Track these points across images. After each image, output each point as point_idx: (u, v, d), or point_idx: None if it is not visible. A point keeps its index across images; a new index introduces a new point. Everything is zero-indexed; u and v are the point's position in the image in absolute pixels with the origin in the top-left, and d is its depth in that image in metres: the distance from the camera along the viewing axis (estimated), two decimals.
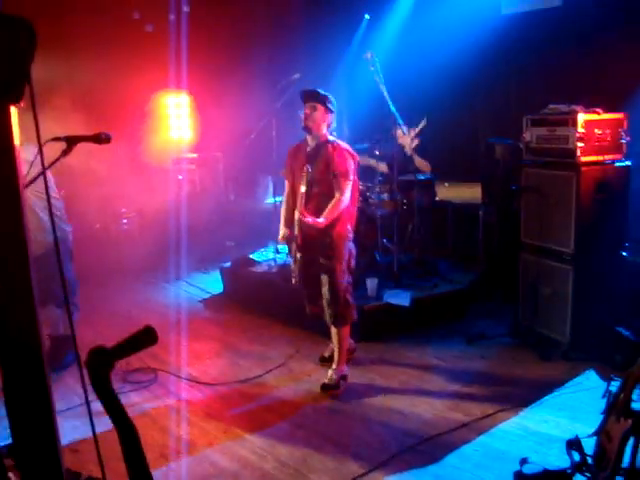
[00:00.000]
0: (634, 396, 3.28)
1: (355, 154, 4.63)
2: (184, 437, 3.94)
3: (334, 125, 4.65)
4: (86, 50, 7.51)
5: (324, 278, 4.53)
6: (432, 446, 3.76)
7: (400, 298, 5.54)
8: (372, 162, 6.73)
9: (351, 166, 4.50)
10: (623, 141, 4.97)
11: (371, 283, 5.63)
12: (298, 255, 4.58)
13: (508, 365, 4.92)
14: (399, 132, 6.35)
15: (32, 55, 1.31)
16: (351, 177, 4.49)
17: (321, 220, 4.37)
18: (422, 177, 6.76)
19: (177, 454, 3.73)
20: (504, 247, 6.19)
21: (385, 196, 6.42)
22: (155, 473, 3.31)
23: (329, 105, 4.54)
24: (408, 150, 6.81)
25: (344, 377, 4.63)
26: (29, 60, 1.30)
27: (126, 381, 4.72)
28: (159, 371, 4.89)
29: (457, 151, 7.93)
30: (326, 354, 5.02)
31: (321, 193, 4.49)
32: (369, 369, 4.94)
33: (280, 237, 4.81)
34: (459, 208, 7.24)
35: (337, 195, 4.44)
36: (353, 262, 4.67)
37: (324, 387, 4.52)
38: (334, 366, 4.62)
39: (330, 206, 4.43)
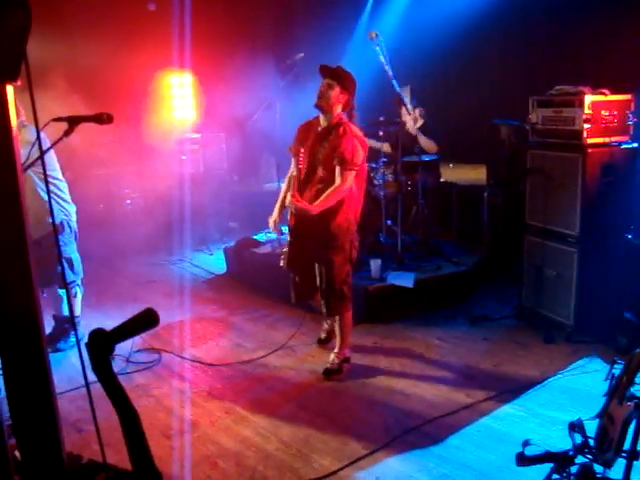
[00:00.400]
0: (637, 379, 3.28)
1: (366, 142, 4.40)
2: (187, 417, 3.96)
3: (353, 108, 4.40)
4: (87, 29, 7.44)
5: (321, 268, 4.39)
6: (435, 427, 3.77)
7: (404, 279, 5.53)
8: (373, 143, 6.68)
9: (358, 154, 4.23)
10: (630, 123, 4.92)
11: (375, 264, 5.62)
12: (289, 239, 4.49)
13: (511, 347, 4.91)
14: (403, 110, 6.27)
15: (28, 33, 1.29)
16: (356, 166, 4.24)
17: (315, 206, 4.21)
18: (427, 158, 6.72)
19: (181, 434, 3.75)
20: (509, 229, 6.17)
21: (389, 177, 6.37)
22: (159, 453, 3.34)
23: (348, 85, 4.28)
24: (412, 130, 6.75)
25: (347, 360, 4.60)
26: (25, 38, 1.28)
27: (129, 362, 4.73)
28: (163, 352, 4.90)
29: (462, 132, 7.88)
30: (322, 335, 5.03)
31: (324, 178, 4.30)
32: (372, 350, 4.94)
33: (270, 222, 4.65)
34: (464, 190, 7.20)
35: (337, 182, 4.24)
36: (355, 253, 4.50)
37: (326, 372, 4.49)
38: (336, 350, 4.60)
39: (327, 192, 4.24)
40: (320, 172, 4.32)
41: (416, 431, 3.73)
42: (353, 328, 4.68)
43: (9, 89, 1.29)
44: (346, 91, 4.27)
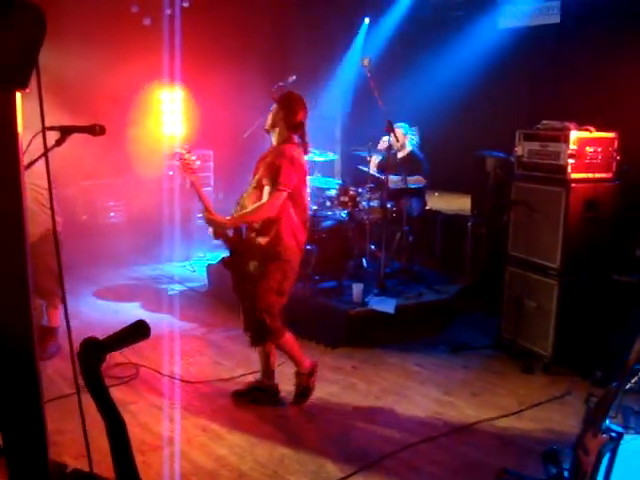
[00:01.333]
0: (611, 412, 3.32)
1: (304, 166, 4.20)
2: (163, 434, 3.92)
3: (300, 127, 4.21)
4: (79, 40, 7.44)
5: (248, 289, 4.23)
6: (411, 454, 3.77)
7: (385, 305, 5.55)
8: (367, 156, 6.73)
9: (289, 176, 4.00)
10: (614, 160, 5.03)
11: (357, 288, 5.64)
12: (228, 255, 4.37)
13: (490, 376, 4.95)
14: (398, 132, 6.28)
15: (41, 41, 1.31)
16: (285, 187, 3.99)
17: (228, 219, 4.14)
18: (413, 185, 6.79)
19: (155, 450, 3.72)
20: (491, 259, 6.24)
21: (375, 203, 6.44)
22: None
23: (285, 103, 4.16)
24: (400, 154, 6.83)
25: (311, 373, 4.39)
26: (38, 46, 1.30)
27: (107, 376, 4.69)
28: (141, 367, 4.87)
29: (447, 161, 7.97)
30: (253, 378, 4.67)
31: (259, 198, 4.13)
32: (351, 374, 4.94)
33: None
34: (448, 218, 7.27)
35: (262, 200, 4.09)
36: (287, 285, 4.22)
37: (296, 399, 4.37)
38: (295, 369, 4.41)
39: (249, 208, 4.12)
40: (257, 192, 4.18)
41: (393, 457, 3.72)
42: (297, 345, 4.42)
43: (18, 96, 1.31)
44: (283, 110, 4.14)
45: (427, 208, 7.42)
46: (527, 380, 4.87)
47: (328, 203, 6.69)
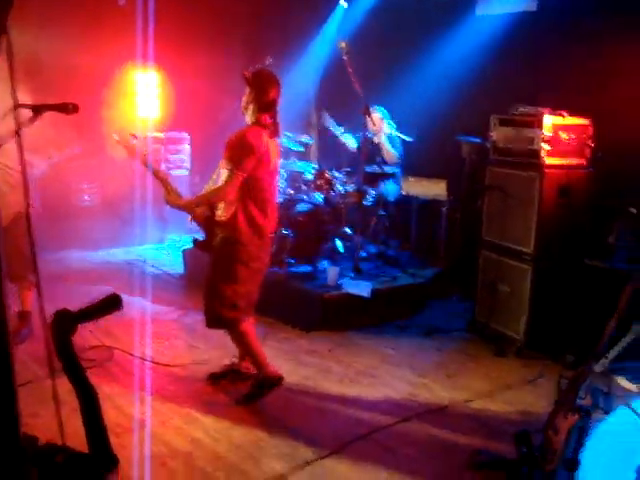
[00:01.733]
0: (581, 394, 3.39)
1: (268, 151, 4.00)
2: (137, 417, 3.91)
3: (272, 106, 4.05)
4: (55, 21, 7.31)
5: (208, 270, 4.17)
6: (386, 435, 3.81)
7: (360, 288, 5.58)
8: (339, 133, 6.73)
9: (244, 159, 3.85)
10: (588, 147, 5.08)
11: (331, 272, 5.66)
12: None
13: (463, 359, 5.01)
14: (368, 120, 6.27)
15: (9, 7, 1.28)
16: (241, 170, 3.86)
17: (185, 200, 4.12)
18: (389, 170, 6.81)
19: (130, 433, 3.70)
20: (466, 244, 6.28)
21: (350, 187, 6.44)
22: None
23: (253, 82, 4.02)
24: (376, 138, 6.82)
25: (272, 384, 4.14)
26: (5, 13, 1.27)
27: (81, 359, 4.64)
28: (115, 349, 4.84)
29: (424, 147, 7.98)
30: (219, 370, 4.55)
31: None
32: (326, 357, 4.97)
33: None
34: (424, 203, 7.29)
35: (219, 183, 4.00)
36: (246, 272, 4.04)
37: (243, 398, 4.14)
38: (249, 364, 4.32)
39: (205, 191, 4.14)
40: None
41: (367, 438, 3.75)
42: (258, 344, 4.23)
43: None
44: (254, 90, 4.00)
45: (403, 193, 7.44)
46: (500, 363, 4.94)
47: (304, 187, 6.69)
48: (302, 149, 7.04)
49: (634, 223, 5.18)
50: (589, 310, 4.90)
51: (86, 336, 4.77)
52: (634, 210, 5.14)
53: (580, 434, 3.12)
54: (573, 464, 3.18)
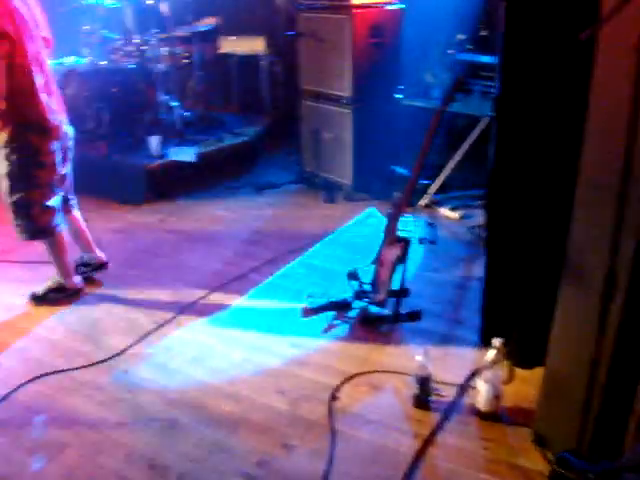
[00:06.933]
0: (408, 226, 3.56)
1: (20, 15, 3.17)
2: None
3: None
4: None
5: (2, 182, 3.49)
6: (222, 293, 3.84)
7: (184, 154, 5.42)
8: None
9: None
10: None
11: (153, 141, 5.41)
12: None
13: (295, 210, 5.10)
14: None
15: None
16: None
17: None
18: (202, 28, 6.45)
19: None
20: (289, 96, 6.20)
21: (163, 50, 6.05)
22: None
23: None
24: None
25: (60, 289, 3.82)
26: None
27: None
28: None
29: (239, 4, 7.61)
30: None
31: None
32: (159, 227, 4.86)
33: None
34: (243, 60, 7.04)
35: None
36: (34, 169, 3.44)
37: (31, 295, 3.82)
38: (55, 277, 3.83)
39: None
40: None
41: (204, 300, 3.77)
42: (64, 252, 3.75)
43: None
44: None
45: (220, 52, 7.13)
46: (330, 209, 5.08)
47: (114, 56, 6.20)
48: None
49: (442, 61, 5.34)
50: (408, 146, 5.08)
51: None
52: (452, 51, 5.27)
53: (403, 260, 3.30)
54: (401, 292, 3.39)
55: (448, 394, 2.81)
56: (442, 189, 5.05)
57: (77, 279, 3.90)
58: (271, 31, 6.80)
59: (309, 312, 3.54)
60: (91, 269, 4.05)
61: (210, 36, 6.78)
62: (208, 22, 6.55)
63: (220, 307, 3.68)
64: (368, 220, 4.86)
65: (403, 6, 5.18)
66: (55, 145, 3.49)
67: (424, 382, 2.72)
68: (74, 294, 3.87)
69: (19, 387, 3.01)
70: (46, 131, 3.42)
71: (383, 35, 5.09)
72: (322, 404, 2.80)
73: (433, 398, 2.77)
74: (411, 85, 5.53)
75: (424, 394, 2.74)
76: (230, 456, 2.53)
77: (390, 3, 5.13)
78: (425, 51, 5.54)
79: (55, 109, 3.48)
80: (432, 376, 2.74)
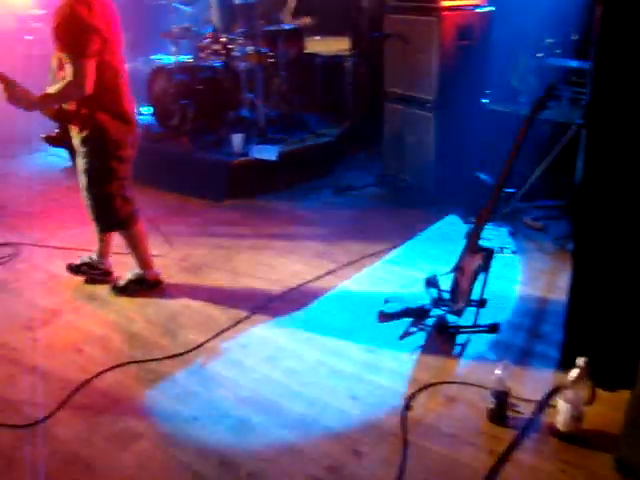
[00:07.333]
0: (489, 235, 3.48)
1: (108, 21, 3.28)
2: (50, 308, 3.80)
3: None
4: None
5: (82, 178, 3.65)
6: (299, 294, 3.85)
7: (267, 152, 5.46)
8: None
9: (83, 35, 3.15)
10: None
11: (237, 139, 5.49)
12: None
13: (375, 213, 5.06)
14: None
15: None
16: (86, 50, 3.17)
17: (31, 101, 3.27)
18: (288, 27, 6.50)
19: (44, 324, 3.61)
20: (373, 98, 6.17)
21: (249, 49, 6.13)
22: (21, 346, 3.22)
23: None
24: None
25: (140, 281, 3.94)
26: None
27: None
28: (20, 245, 4.64)
29: (325, 3, 7.64)
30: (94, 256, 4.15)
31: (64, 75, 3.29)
32: (238, 225, 4.92)
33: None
34: (327, 60, 7.06)
35: (67, 76, 3.23)
36: (114, 164, 3.54)
37: (113, 287, 3.96)
38: (135, 269, 3.97)
39: (53, 88, 3.30)
40: (60, 66, 3.36)
41: (280, 299, 3.79)
42: (146, 243, 3.93)
43: None
44: None
45: (305, 52, 7.17)
46: (411, 214, 5.01)
47: (201, 54, 6.35)
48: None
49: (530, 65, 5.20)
50: (493, 152, 4.96)
51: None
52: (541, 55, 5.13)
53: (485, 271, 3.22)
54: (481, 302, 3.31)
55: (525, 411, 2.72)
56: (525, 198, 4.90)
57: (157, 270, 4.01)
58: (356, 32, 6.78)
59: (386, 317, 3.51)
60: (91, 271, 4.10)
61: (295, 35, 6.82)
62: (304, 21, 6.59)
63: (296, 307, 3.69)
64: (448, 226, 4.78)
65: (493, 8, 5.06)
66: (132, 139, 3.62)
67: (501, 397, 2.64)
68: (154, 285, 3.97)
69: (99, 374, 3.11)
70: (127, 126, 3.55)
71: (471, 38, 4.98)
72: (395, 412, 2.77)
73: (510, 414, 2.68)
74: (498, 89, 5.41)
75: (501, 409, 2.66)
76: (300, 458, 2.53)
77: (479, 5, 5.02)
78: (513, 55, 5.41)
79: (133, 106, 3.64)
80: (510, 391, 2.66)
